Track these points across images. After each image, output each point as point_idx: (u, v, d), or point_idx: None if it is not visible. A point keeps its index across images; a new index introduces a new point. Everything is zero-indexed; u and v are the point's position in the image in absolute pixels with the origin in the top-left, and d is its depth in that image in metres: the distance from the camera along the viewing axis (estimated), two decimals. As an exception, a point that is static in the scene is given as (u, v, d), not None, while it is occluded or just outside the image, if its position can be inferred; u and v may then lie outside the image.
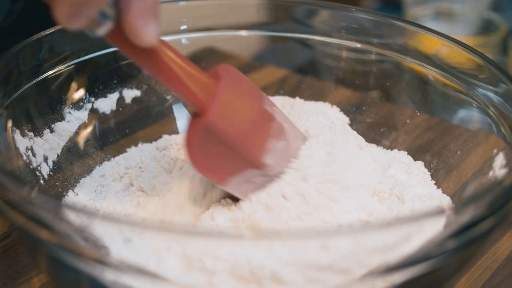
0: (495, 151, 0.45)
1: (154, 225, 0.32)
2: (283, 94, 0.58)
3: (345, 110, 0.56)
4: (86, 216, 0.33)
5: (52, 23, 0.53)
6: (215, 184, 0.44)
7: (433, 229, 0.34)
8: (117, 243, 0.34)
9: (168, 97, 0.57)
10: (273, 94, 0.58)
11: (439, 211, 0.33)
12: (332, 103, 0.56)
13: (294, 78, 0.63)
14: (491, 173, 0.44)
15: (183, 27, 0.56)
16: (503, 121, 0.46)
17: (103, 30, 0.37)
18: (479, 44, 0.86)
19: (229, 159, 0.41)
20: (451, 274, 0.38)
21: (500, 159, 0.43)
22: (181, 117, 0.56)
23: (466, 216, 0.34)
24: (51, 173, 0.48)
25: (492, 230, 0.35)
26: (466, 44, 0.49)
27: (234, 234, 0.32)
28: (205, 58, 0.60)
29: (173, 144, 0.52)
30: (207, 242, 0.32)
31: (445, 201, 0.47)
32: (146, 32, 0.37)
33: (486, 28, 0.96)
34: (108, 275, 0.33)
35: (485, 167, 0.46)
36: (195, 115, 0.41)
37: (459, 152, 0.50)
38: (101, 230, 0.34)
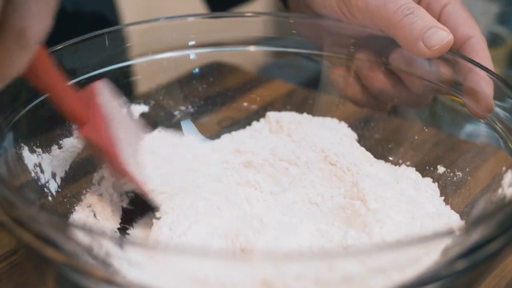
0: (503, 168, 0.44)
1: (161, 246, 0.32)
2: (290, 109, 0.58)
3: (353, 126, 0.56)
4: (94, 236, 0.33)
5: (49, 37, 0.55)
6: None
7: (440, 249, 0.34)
8: (125, 262, 0.34)
9: (176, 113, 0.57)
10: (280, 109, 0.58)
11: (450, 232, 0.33)
12: (340, 119, 0.56)
13: (301, 92, 0.63)
14: (500, 191, 0.44)
15: (191, 42, 0.56)
16: (510, 136, 0.46)
17: None
18: (486, 58, 0.86)
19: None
20: (460, 294, 0.38)
21: (509, 177, 0.43)
22: (188, 132, 0.56)
23: (476, 236, 0.34)
24: (59, 190, 0.48)
25: (502, 250, 0.35)
26: (471, 60, 0.49)
27: (242, 255, 0.32)
28: (213, 72, 0.60)
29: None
30: (214, 263, 0.32)
31: (454, 218, 0.46)
32: None
33: (492, 41, 0.96)
34: (116, 295, 0.33)
35: (493, 183, 0.46)
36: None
37: (467, 169, 0.49)
38: (109, 250, 0.34)
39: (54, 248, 0.33)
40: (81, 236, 0.33)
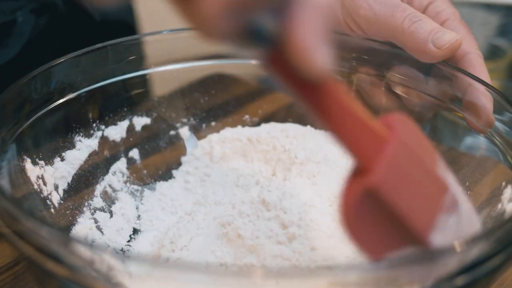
0: (503, 183, 0.45)
1: (162, 261, 0.32)
2: (292, 122, 0.58)
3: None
4: (95, 250, 0.33)
5: (75, 37, 0.55)
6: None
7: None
8: (127, 276, 0.34)
9: (178, 125, 0.58)
10: (281, 121, 0.58)
11: (451, 249, 0.33)
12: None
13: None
14: (499, 206, 0.44)
15: (194, 55, 0.57)
16: (509, 150, 0.46)
17: (255, 47, 0.29)
18: (486, 70, 0.86)
19: (391, 232, 0.34)
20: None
21: (508, 192, 0.43)
22: (190, 144, 0.57)
23: (476, 252, 0.34)
24: (62, 202, 0.48)
25: (502, 266, 0.35)
26: (471, 74, 0.49)
27: (242, 271, 0.32)
28: (215, 84, 0.61)
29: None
30: (216, 279, 0.32)
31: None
32: (315, 58, 0.29)
33: (493, 53, 0.96)
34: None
35: (493, 198, 0.46)
36: (357, 173, 0.34)
37: (467, 183, 0.49)
38: (110, 264, 0.34)
39: (56, 262, 0.33)
40: (83, 250, 0.34)
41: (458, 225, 0.37)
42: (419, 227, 0.34)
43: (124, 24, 0.71)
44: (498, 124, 0.47)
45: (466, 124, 0.50)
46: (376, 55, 0.53)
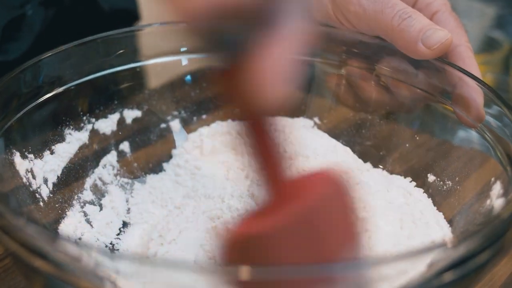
0: (492, 179, 0.45)
1: (149, 258, 0.32)
2: (283, 115, 0.58)
3: (345, 132, 0.56)
4: (82, 248, 0.33)
5: (81, 29, 0.55)
6: None
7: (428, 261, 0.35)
8: (114, 272, 0.34)
9: (168, 118, 0.58)
10: (273, 115, 0.58)
11: (439, 246, 0.34)
12: (332, 124, 0.56)
13: (294, 98, 0.63)
14: (488, 202, 0.44)
15: (184, 48, 0.56)
16: (498, 145, 0.46)
17: (221, 52, 0.30)
18: (481, 62, 0.86)
19: None
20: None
21: (497, 188, 0.43)
22: (180, 137, 0.57)
23: (464, 249, 0.34)
24: (51, 195, 0.48)
25: (490, 262, 0.35)
26: (461, 68, 0.49)
27: (229, 269, 0.32)
28: (206, 78, 0.60)
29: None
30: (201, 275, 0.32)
31: (443, 228, 0.47)
32: (271, 93, 0.30)
33: (489, 45, 0.96)
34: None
35: (482, 193, 0.46)
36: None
37: (457, 178, 0.50)
38: (98, 260, 0.34)
39: (41, 258, 0.33)
40: (70, 247, 0.33)
41: None
42: None
43: (129, 13, 0.71)
44: (488, 118, 0.47)
45: (457, 118, 0.50)
46: (366, 48, 0.53)
